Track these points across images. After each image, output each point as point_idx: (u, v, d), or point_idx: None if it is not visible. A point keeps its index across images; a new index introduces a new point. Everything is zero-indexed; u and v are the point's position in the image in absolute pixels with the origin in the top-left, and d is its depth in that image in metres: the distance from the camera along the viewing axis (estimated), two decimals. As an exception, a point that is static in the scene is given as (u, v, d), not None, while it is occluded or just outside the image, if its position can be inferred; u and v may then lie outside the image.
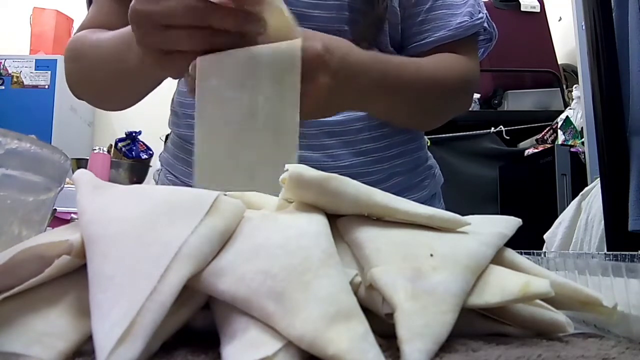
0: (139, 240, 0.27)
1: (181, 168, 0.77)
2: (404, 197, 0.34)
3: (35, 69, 2.92)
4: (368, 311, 0.27)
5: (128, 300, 0.23)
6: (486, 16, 0.74)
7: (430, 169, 0.82)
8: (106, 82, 0.66)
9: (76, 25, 3.11)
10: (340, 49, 0.52)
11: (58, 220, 1.50)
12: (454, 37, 0.71)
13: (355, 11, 0.68)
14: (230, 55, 0.46)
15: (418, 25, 0.72)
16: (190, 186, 0.71)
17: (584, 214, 1.53)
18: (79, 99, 0.74)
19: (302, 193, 0.33)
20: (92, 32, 0.69)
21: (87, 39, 0.69)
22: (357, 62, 0.54)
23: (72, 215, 1.59)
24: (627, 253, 0.37)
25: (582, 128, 2.00)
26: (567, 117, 2.16)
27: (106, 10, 0.73)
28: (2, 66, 2.93)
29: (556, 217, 1.71)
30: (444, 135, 2.41)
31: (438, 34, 0.71)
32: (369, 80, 0.56)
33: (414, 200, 0.34)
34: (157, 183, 0.85)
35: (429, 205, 0.35)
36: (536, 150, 2.24)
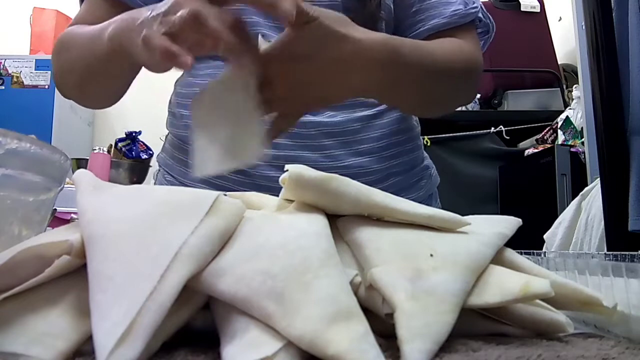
0: (139, 241, 0.27)
1: (179, 169, 0.76)
2: (401, 197, 0.34)
3: (35, 69, 2.92)
4: (368, 311, 0.27)
5: (128, 300, 0.23)
6: (481, 7, 0.73)
7: (426, 169, 0.82)
8: (83, 73, 0.66)
9: (76, 25, 3.11)
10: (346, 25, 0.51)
11: (58, 220, 1.50)
12: (449, 25, 0.70)
13: (348, 10, 0.67)
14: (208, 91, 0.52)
15: (412, 16, 0.72)
16: (189, 186, 0.71)
17: (584, 214, 1.53)
18: (64, 96, 0.73)
19: (302, 193, 0.33)
20: (78, 27, 0.69)
21: (72, 33, 0.69)
22: (364, 39, 0.53)
23: (72, 215, 1.59)
24: (627, 253, 0.37)
25: (582, 128, 2.00)
26: (567, 117, 2.16)
27: (95, 8, 0.73)
28: (2, 66, 2.92)
29: (556, 217, 1.71)
30: (444, 135, 2.41)
31: (432, 22, 0.70)
32: (376, 61, 0.54)
33: (411, 201, 0.34)
34: (155, 184, 0.85)
35: (426, 205, 0.35)
36: (536, 150, 2.24)
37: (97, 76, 0.65)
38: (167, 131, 0.82)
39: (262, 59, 0.48)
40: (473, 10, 0.71)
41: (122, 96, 0.73)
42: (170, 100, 0.81)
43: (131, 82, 0.71)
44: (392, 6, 0.71)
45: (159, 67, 0.50)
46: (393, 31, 0.73)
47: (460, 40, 0.70)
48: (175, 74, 0.79)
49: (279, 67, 0.50)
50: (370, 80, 0.55)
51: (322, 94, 0.53)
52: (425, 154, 0.84)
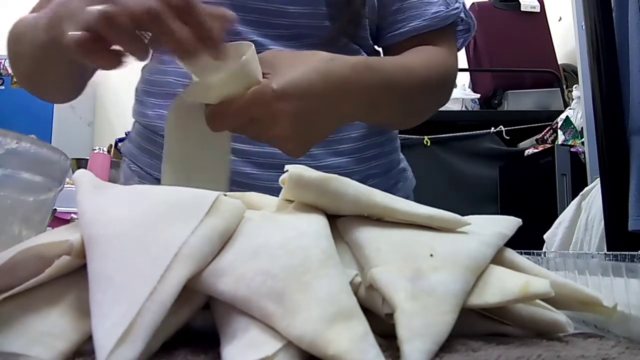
0: (139, 241, 0.27)
1: (146, 159, 0.73)
2: None
3: (35, 69, 2.91)
4: (368, 311, 0.27)
5: (128, 300, 0.23)
6: (463, 5, 0.73)
7: (403, 171, 0.81)
8: (29, 65, 0.63)
9: (76, 25, 3.11)
10: (300, 85, 0.49)
11: (58, 220, 1.50)
12: (430, 27, 0.69)
13: (332, 6, 0.67)
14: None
15: (393, 15, 0.71)
16: (157, 178, 0.68)
17: (584, 214, 1.53)
18: (26, 89, 0.69)
19: (302, 193, 0.33)
20: (29, 14, 0.66)
21: (22, 20, 0.65)
22: (327, 87, 0.51)
23: (72, 215, 1.59)
24: (627, 253, 0.37)
25: (582, 128, 2.00)
26: (567, 117, 2.16)
27: None
28: (2, 66, 2.92)
29: (556, 217, 1.71)
30: (444, 135, 2.41)
31: (413, 24, 0.70)
32: (353, 95, 0.54)
33: (410, 201, 0.34)
34: (120, 174, 0.82)
35: None
36: (536, 150, 2.24)
37: (42, 69, 0.61)
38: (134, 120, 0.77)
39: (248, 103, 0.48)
40: (454, 12, 0.71)
41: (79, 91, 0.69)
42: (136, 88, 0.77)
43: (86, 77, 0.67)
44: (375, 2, 0.70)
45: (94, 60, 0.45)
46: (374, 29, 0.72)
47: (438, 50, 0.70)
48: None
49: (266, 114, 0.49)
50: (337, 124, 0.56)
51: (315, 134, 0.53)
52: (402, 156, 0.83)
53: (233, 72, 0.46)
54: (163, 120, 0.67)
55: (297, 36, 0.67)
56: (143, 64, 0.75)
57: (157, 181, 0.68)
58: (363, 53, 0.72)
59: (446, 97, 0.75)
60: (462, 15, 0.73)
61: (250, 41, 0.66)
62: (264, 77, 0.49)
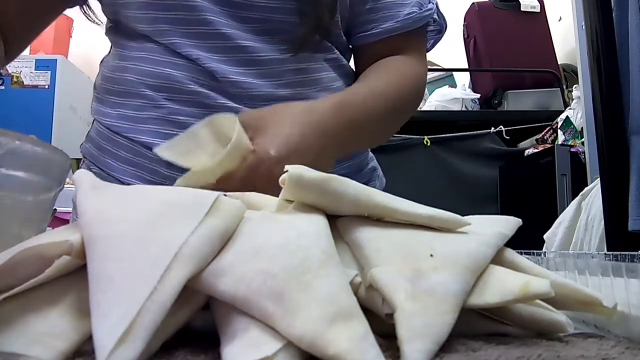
0: (139, 241, 0.27)
1: (108, 161, 0.69)
2: None
3: (35, 69, 2.91)
4: (368, 311, 0.27)
5: (128, 300, 0.23)
6: (436, 6, 0.72)
7: (374, 170, 0.81)
8: None
9: (76, 25, 3.11)
10: (294, 143, 0.51)
11: (58, 220, 1.50)
12: (402, 29, 0.69)
13: (302, 1, 0.65)
14: None
15: (365, 14, 0.70)
16: (118, 179, 0.67)
17: (584, 214, 1.53)
18: None
19: (302, 194, 0.33)
20: None
21: None
22: (318, 138, 0.54)
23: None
24: (627, 253, 0.37)
25: (582, 128, 2.00)
26: (567, 117, 2.16)
27: None
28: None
29: (556, 217, 1.71)
30: (444, 135, 2.41)
31: (385, 25, 0.69)
32: (337, 136, 0.57)
33: (410, 201, 0.34)
34: None
35: None
36: (536, 150, 2.24)
37: None
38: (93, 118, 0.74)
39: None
40: (427, 13, 0.70)
41: None
42: (95, 84, 0.73)
43: None
44: (347, 0, 0.69)
45: None
46: (345, 26, 0.72)
47: (406, 61, 0.70)
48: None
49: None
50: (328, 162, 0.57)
51: None
52: (371, 154, 0.83)
53: (227, 152, 0.47)
54: (124, 120, 0.66)
55: (268, 31, 0.66)
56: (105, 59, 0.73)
57: (120, 183, 0.66)
58: (336, 50, 0.71)
59: (417, 106, 0.77)
60: (435, 16, 0.72)
61: (222, 34, 0.64)
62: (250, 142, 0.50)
